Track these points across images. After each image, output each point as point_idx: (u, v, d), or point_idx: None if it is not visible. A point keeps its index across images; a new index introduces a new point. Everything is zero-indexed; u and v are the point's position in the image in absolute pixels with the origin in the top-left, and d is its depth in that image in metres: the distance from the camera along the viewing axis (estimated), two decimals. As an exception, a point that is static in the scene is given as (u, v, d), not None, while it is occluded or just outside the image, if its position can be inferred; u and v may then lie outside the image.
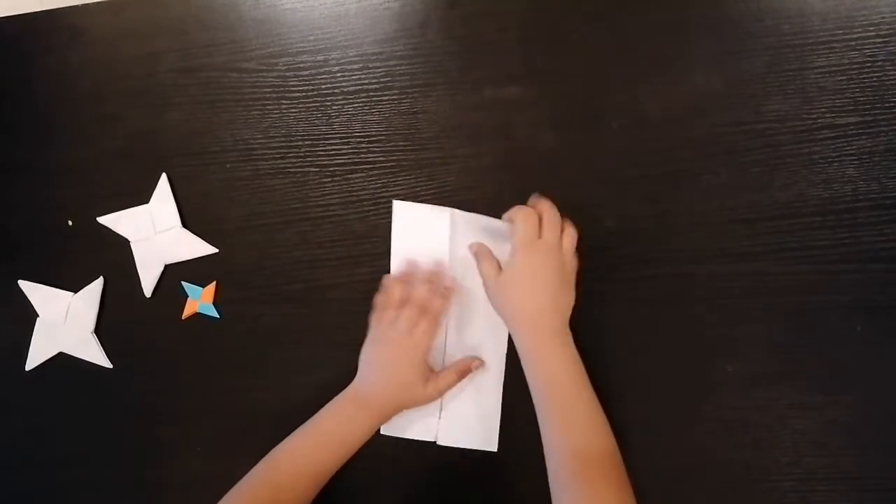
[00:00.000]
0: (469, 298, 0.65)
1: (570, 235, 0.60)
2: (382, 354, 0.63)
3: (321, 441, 0.61)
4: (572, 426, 0.56)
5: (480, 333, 0.65)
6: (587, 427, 0.56)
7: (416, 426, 0.66)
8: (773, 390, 0.62)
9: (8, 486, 0.73)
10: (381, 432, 0.65)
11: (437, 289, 0.63)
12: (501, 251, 0.63)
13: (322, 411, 0.62)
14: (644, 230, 0.64)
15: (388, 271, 0.67)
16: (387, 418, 0.63)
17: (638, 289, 0.64)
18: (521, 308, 0.60)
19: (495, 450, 0.64)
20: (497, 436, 0.64)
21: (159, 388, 0.70)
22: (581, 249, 0.64)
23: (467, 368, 0.64)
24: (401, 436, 0.66)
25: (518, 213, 0.60)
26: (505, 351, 0.65)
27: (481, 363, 0.64)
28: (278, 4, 0.71)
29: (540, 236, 0.60)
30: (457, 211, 0.66)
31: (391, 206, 0.67)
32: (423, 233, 0.66)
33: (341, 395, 0.63)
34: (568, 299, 0.60)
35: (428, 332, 0.62)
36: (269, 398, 0.69)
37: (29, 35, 0.76)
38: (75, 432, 0.72)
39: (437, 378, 0.63)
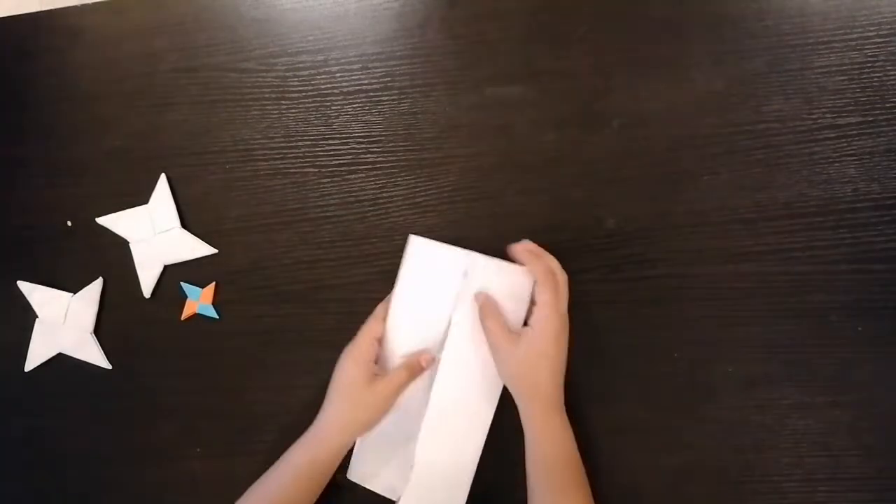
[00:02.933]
0: (466, 346, 0.61)
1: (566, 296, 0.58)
2: (332, 375, 0.61)
3: (291, 485, 0.59)
4: None
5: (471, 388, 0.62)
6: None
7: (382, 479, 0.63)
8: (774, 391, 0.62)
9: (7, 486, 0.73)
10: (347, 476, 0.63)
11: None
12: (513, 300, 0.60)
13: (287, 453, 0.60)
14: (644, 230, 0.64)
15: (386, 270, 0.66)
16: (348, 440, 0.60)
17: (638, 289, 0.64)
18: (538, 383, 0.57)
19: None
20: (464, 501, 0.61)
21: (159, 388, 0.70)
22: (581, 250, 0.64)
23: (418, 365, 0.61)
24: (364, 485, 0.63)
25: (544, 278, 0.57)
26: (492, 413, 0.61)
27: (432, 359, 0.61)
28: (278, 4, 0.71)
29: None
30: (476, 255, 0.61)
31: (390, 206, 0.67)
32: (435, 272, 0.61)
33: (305, 433, 0.60)
34: (563, 367, 0.59)
35: (367, 328, 0.61)
36: (268, 398, 0.68)
37: (29, 35, 0.75)
38: (75, 433, 0.71)
39: (385, 377, 0.59)
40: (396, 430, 0.62)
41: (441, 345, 0.62)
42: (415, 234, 0.62)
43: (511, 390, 0.59)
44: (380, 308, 0.63)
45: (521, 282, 0.60)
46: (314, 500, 0.60)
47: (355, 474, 0.64)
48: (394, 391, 0.60)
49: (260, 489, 0.59)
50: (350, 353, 0.61)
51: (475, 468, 0.61)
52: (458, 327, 0.61)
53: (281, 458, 0.60)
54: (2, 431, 0.73)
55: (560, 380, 0.58)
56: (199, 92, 0.71)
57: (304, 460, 0.59)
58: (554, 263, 0.58)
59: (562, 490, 0.57)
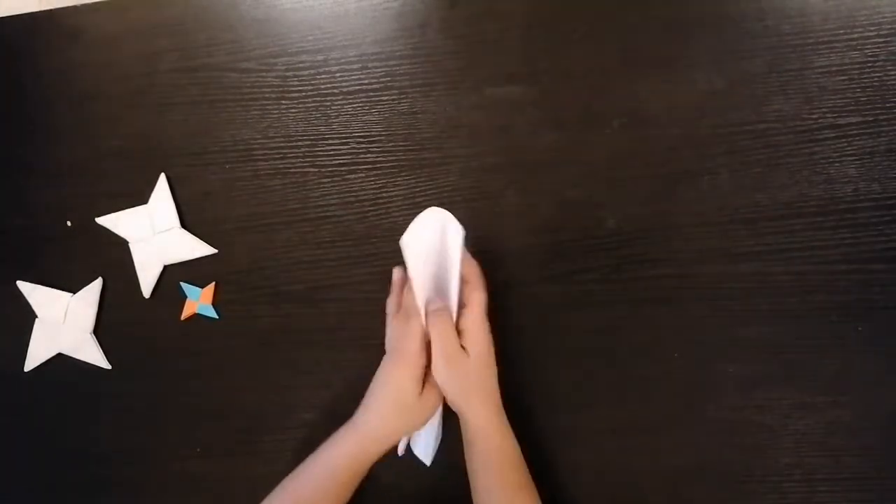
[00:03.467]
0: None
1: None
2: (378, 375, 0.57)
3: (327, 484, 0.57)
4: None
5: None
6: None
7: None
8: (775, 391, 0.62)
9: (7, 486, 0.72)
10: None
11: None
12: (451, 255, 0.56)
13: (322, 450, 0.57)
14: (645, 230, 0.64)
15: (386, 270, 0.66)
16: (392, 444, 0.58)
17: (639, 289, 0.64)
18: (490, 390, 0.57)
19: (428, 464, 0.62)
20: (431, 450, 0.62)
21: (158, 388, 0.70)
22: (581, 250, 0.64)
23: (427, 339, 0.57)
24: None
25: (479, 279, 0.57)
26: None
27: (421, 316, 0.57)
28: (278, 4, 0.71)
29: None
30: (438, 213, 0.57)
31: (390, 206, 0.67)
32: (430, 242, 0.57)
33: (342, 430, 0.58)
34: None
35: (413, 332, 0.56)
36: (268, 398, 0.68)
37: (29, 35, 0.76)
38: (74, 433, 0.71)
39: (432, 386, 0.56)
40: None
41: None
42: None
43: (460, 402, 0.56)
44: (411, 302, 0.57)
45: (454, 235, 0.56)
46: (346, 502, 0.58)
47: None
48: (438, 401, 0.58)
49: (292, 486, 0.57)
50: (404, 363, 0.56)
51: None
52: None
53: (316, 456, 0.57)
54: (2, 431, 0.73)
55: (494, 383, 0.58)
56: (198, 92, 0.71)
57: (342, 463, 0.57)
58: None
59: (520, 487, 0.56)
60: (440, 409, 0.60)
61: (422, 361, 0.56)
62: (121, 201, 0.71)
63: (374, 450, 0.57)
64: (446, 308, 0.57)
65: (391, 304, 0.60)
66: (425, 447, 0.63)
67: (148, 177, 0.71)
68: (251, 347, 0.69)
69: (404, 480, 0.65)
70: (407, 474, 0.65)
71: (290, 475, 0.57)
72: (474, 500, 0.57)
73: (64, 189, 0.73)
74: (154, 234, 0.70)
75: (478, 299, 0.56)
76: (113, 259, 0.71)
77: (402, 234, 0.65)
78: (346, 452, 0.57)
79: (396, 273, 0.61)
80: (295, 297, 0.69)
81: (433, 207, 0.56)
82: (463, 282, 0.57)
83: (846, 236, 0.62)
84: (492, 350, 0.57)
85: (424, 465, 0.62)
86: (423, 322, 0.56)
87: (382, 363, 0.57)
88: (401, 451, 0.62)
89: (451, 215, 0.56)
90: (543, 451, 0.62)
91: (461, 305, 0.58)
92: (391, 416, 0.56)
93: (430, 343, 0.56)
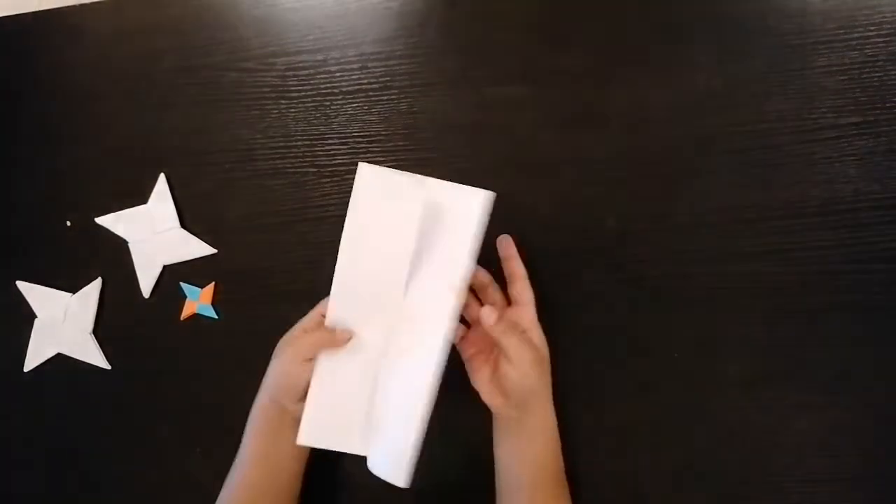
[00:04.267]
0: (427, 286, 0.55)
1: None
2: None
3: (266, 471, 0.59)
4: None
5: (426, 326, 0.54)
6: None
7: (337, 436, 0.57)
8: (775, 391, 0.62)
9: (7, 486, 0.72)
10: (298, 443, 0.57)
11: None
12: (463, 224, 0.53)
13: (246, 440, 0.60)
14: (644, 230, 0.64)
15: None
16: (283, 409, 0.58)
17: (639, 289, 0.64)
18: (534, 386, 0.56)
19: (404, 486, 0.53)
20: (409, 471, 0.53)
21: (158, 388, 0.70)
22: (581, 250, 0.64)
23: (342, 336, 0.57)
24: (321, 447, 0.58)
25: (526, 282, 0.58)
26: (440, 364, 0.53)
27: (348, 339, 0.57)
28: (278, 4, 0.71)
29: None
30: (429, 180, 0.53)
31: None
32: (389, 206, 0.54)
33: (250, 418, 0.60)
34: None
35: (311, 328, 0.59)
36: (268, 399, 0.68)
37: (29, 35, 0.76)
38: (74, 433, 0.71)
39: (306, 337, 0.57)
40: (352, 384, 0.57)
41: (401, 288, 0.55)
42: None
43: (531, 401, 0.56)
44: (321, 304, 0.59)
45: (473, 206, 0.52)
46: (283, 466, 0.60)
47: (308, 439, 0.57)
48: (313, 344, 0.57)
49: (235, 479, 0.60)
50: (282, 350, 0.59)
51: (422, 430, 0.53)
52: (420, 263, 0.55)
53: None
54: (2, 431, 0.73)
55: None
56: (198, 92, 0.71)
57: (251, 435, 0.60)
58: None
59: (565, 485, 0.58)
60: (419, 428, 0.53)
61: (310, 351, 0.57)
62: (120, 201, 0.71)
63: (264, 413, 0.60)
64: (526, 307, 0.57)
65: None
66: (392, 467, 0.54)
67: (148, 177, 0.71)
68: (251, 347, 0.69)
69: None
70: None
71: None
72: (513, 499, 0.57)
73: (64, 189, 0.73)
74: (154, 234, 0.70)
75: (530, 297, 0.57)
76: (112, 259, 0.71)
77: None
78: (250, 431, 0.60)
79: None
80: (295, 297, 0.68)
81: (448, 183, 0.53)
82: (513, 279, 0.58)
83: (846, 236, 0.62)
84: (546, 352, 0.58)
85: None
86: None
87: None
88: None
89: (467, 188, 0.53)
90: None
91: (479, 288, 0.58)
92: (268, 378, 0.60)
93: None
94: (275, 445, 0.59)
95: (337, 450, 0.57)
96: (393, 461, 0.53)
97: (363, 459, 0.57)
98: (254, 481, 0.59)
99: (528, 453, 0.57)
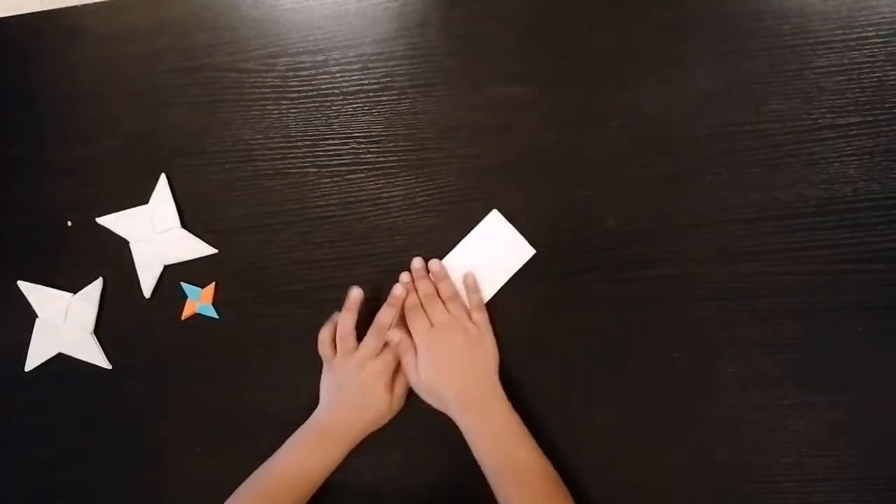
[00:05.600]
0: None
1: (460, 307, 0.63)
2: (352, 382, 0.62)
3: (293, 482, 0.60)
4: (535, 499, 0.57)
5: None
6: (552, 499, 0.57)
7: None
8: (774, 391, 0.62)
9: (8, 486, 0.72)
10: None
11: (399, 310, 0.64)
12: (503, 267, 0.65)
13: (287, 449, 0.62)
14: (644, 230, 0.64)
15: (386, 270, 0.67)
16: (355, 444, 0.63)
17: (638, 289, 0.64)
18: (447, 387, 0.61)
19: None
20: None
21: (159, 388, 0.70)
22: (581, 250, 0.64)
23: (396, 353, 0.63)
24: None
25: (411, 317, 0.63)
26: None
27: (401, 335, 0.63)
28: (278, 4, 0.71)
29: (432, 322, 0.62)
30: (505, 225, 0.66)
31: (390, 206, 0.67)
32: (498, 252, 0.65)
33: (303, 429, 0.63)
34: (481, 363, 0.61)
35: (395, 349, 0.63)
36: (268, 398, 0.68)
37: (29, 35, 0.76)
38: (75, 432, 0.71)
39: (395, 390, 0.63)
40: None
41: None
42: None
43: (457, 397, 0.61)
44: (385, 320, 0.63)
45: (520, 254, 0.65)
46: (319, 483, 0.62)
47: None
48: (403, 401, 0.64)
49: (263, 481, 0.61)
50: (386, 379, 0.62)
51: None
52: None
53: (277, 459, 0.61)
54: (2, 431, 0.73)
55: (459, 382, 0.60)
56: (199, 92, 0.71)
57: (308, 466, 0.61)
58: (419, 283, 0.65)
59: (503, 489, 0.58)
60: None
61: (391, 370, 0.63)
62: (121, 201, 0.71)
63: (346, 440, 0.62)
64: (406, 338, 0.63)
65: (347, 320, 0.64)
66: None
67: (148, 177, 0.71)
68: (251, 347, 0.69)
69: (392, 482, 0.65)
70: (398, 476, 0.65)
71: (249, 479, 0.60)
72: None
73: (64, 189, 0.73)
74: (154, 234, 0.70)
75: (479, 300, 0.64)
76: (113, 259, 0.71)
77: (401, 234, 0.67)
78: (312, 452, 0.62)
79: (356, 292, 0.64)
80: (295, 297, 0.69)
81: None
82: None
83: (846, 236, 0.62)
84: (464, 348, 0.62)
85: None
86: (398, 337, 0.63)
87: (355, 369, 0.62)
88: None
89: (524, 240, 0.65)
90: (543, 451, 0.62)
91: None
92: (360, 418, 0.62)
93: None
94: (317, 464, 0.61)
95: None
96: None
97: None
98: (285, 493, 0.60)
99: (477, 451, 0.59)
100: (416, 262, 0.65)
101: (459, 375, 0.61)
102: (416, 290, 0.64)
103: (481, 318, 0.63)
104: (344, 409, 0.63)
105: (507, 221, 0.66)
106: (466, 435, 0.60)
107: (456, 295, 0.64)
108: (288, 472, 0.61)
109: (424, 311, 0.63)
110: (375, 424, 0.63)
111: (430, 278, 0.65)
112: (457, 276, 0.65)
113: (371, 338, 0.63)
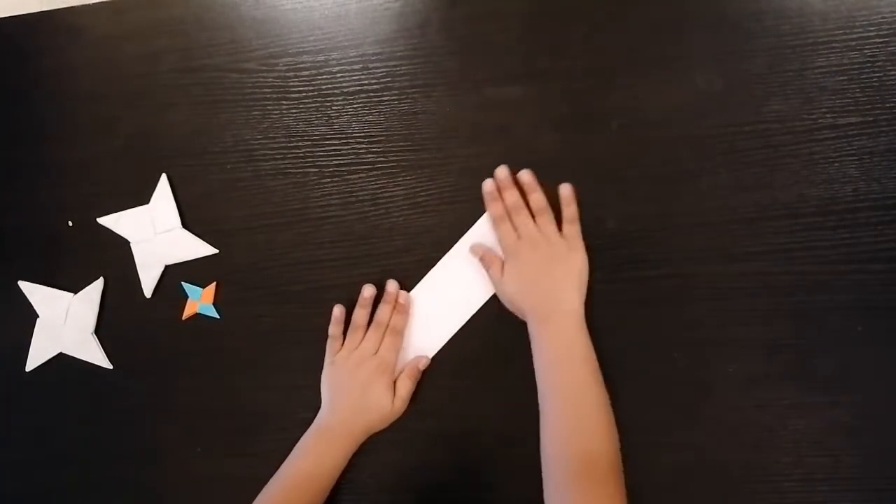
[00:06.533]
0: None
1: (549, 221, 0.63)
2: (351, 380, 0.63)
3: (300, 485, 0.60)
4: (580, 423, 0.56)
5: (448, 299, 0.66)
6: (596, 428, 0.56)
7: None
8: (774, 390, 0.62)
9: (8, 486, 0.73)
10: None
11: (394, 306, 0.65)
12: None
13: (294, 453, 0.62)
14: (644, 230, 0.64)
15: (386, 270, 0.67)
16: (358, 444, 0.63)
17: (639, 289, 0.64)
18: (524, 300, 0.62)
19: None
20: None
21: (159, 388, 0.70)
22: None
23: (416, 370, 0.64)
24: None
25: (496, 226, 0.64)
26: (467, 317, 0.65)
27: (427, 361, 0.65)
28: (279, 4, 0.71)
29: (518, 234, 0.63)
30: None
31: (390, 206, 0.68)
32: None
33: (308, 432, 0.63)
34: (562, 278, 0.61)
35: (393, 347, 0.64)
36: (269, 398, 0.68)
37: (29, 35, 0.76)
38: (75, 432, 0.72)
39: (398, 391, 0.63)
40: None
41: (471, 301, 0.66)
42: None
43: (553, 299, 0.61)
44: (383, 316, 0.65)
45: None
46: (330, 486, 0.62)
47: None
48: (406, 403, 0.64)
49: (275, 487, 0.60)
50: (387, 379, 0.63)
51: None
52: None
53: (288, 465, 0.62)
54: (2, 431, 0.73)
55: (546, 293, 0.61)
56: (199, 92, 0.71)
57: (315, 468, 0.61)
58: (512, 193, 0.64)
59: (552, 398, 0.58)
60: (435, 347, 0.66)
61: (392, 369, 0.64)
62: (122, 201, 0.71)
63: (349, 442, 0.62)
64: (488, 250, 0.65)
65: (358, 316, 0.66)
66: None
67: (149, 177, 0.71)
68: (252, 347, 0.69)
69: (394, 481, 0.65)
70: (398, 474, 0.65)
71: (264, 489, 0.60)
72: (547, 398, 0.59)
73: (65, 189, 0.73)
74: (155, 234, 0.70)
75: (573, 213, 0.63)
76: (114, 259, 0.71)
77: (402, 234, 0.67)
78: (318, 454, 0.62)
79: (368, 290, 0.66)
80: (295, 297, 0.69)
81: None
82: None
83: (846, 236, 0.62)
84: (553, 265, 0.62)
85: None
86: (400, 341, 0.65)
87: (352, 367, 0.63)
88: None
89: None
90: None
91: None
92: (361, 418, 0.63)
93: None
94: (322, 467, 0.61)
95: None
96: None
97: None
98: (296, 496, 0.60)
99: (537, 364, 0.60)
100: (501, 172, 0.64)
101: (538, 289, 0.61)
102: (503, 200, 0.64)
103: (572, 231, 0.62)
104: (345, 410, 0.63)
105: None
106: (534, 344, 0.60)
107: (547, 208, 0.63)
108: (296, 478, 0.61)
109: (511, 223, 0.63)
110: (378, 425, 0.63)
111: (515, 188, 0.64)
112: (456, 274, 0.66)
113: (371, 333, 0.64)
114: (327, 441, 0.62)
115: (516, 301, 0.62)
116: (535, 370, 0.60)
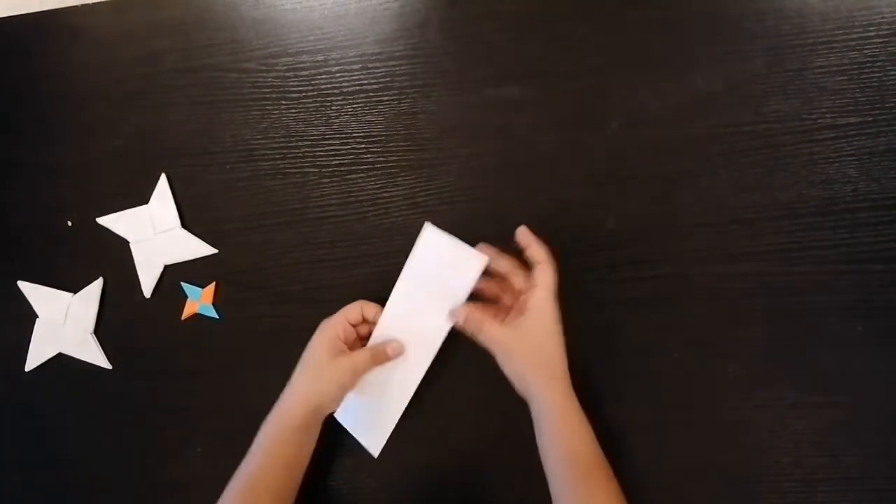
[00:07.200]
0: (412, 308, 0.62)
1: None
2: (309, 348, 0.61)
3: (258, 481, 0.58)
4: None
5: (419, 324, 0.62)
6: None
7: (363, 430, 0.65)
8: (774, 391, 0.62)
9: (8, 486, 0.73)
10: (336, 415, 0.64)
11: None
12: (457, 280, 0.59)
13: (252, 445, 0.60)
14: (644, 230, 0.64)
15: (386, 270, 0.66)
16: (317, 421, 0.60)
17: (638, 289, 0.64)
18: (553, 359, 0.58)
19: (375, 455, 0.64)
20: (383, 442, 0.64)
21: (159, 388, 0.70)
22: (581, 250, 0.64)
23: (383, 353, 0.61)
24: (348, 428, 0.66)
25: (549, 262, 0.58)
26: (431, 359, 0.62)
27: (400, 347, 0.61)
28: (278, 4, 0.71)
29: None
30: (443, 237, 0.60)
31: (390, 206, 0.67)
32: (442, 266, 0.60)
33: (263, 424, 0.60)
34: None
35: (344, 309, 0.62)
36: (269, 399, 0.68)
37: (29, 35, 0.76)
38: (75, 432, 0.72)
39: (347, 355, 0.59)
40: (381, 396, 0.64)
41: (432, 339, 0.61)
42: (417, 233, 0.62)
43: (523, 380, 0.58)
44: (366, 303, 0.63)
45: (472, 266, 0.59)
46: (297, 473, 0.60)
47: (342, 417, 0.65)
48: (352, 369, 0.59)
49: (241, 473, 0.59)
50: (320, 328, 0.62)
51: (401, 411, 0.63)
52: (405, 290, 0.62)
53: (255, 439, 0.60)
54: (2, 431, 0.73)
55: (562, 353, 0.58)
56: (199, 92, 0.71)
57: (273, 433, 0.59)
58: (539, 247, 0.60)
59: (595, 466, 0.56)
60: (403, 404, 0.63)
61: (337, 329, 0.61)
62: (121, 201, 0.71)
63: (297, 415, 0.59)
64: (474, 310, 0.59)
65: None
66: (370, 436, 0.64)
67: (148, 177, 0.71)
68: (251, 347, 0.69)
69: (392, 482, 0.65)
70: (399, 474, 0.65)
71: (240, 466, 0.59)
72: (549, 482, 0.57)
73: (64, 189, 0.73)
74: (155, 234, 0.70)
75: (547, 282, 0.58)
76: (114, 259, 0.71)
77: (401, 234, 0.67)
78: (274, 426, 0.60)
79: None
80: (295, 297, 0.69)
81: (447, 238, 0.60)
82: (531, 263, 0.59)
83: (845, 236, 0.62)
84: (559, 329, 0.58)
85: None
86: (357, 308, 0.62)
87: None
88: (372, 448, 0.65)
89: (470, 249, 0.59)
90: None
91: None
92: (305, 380, 0.60)
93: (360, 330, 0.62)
94: (289, 445, 0.60)
95: (358, 438, 0.65)
96: (372, 434, 0.64)
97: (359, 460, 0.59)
98: (265, 482, 0.59)
99: (542, 440, 0.58)
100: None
101: (560, 344, 0.59)
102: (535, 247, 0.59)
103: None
104: (302, 383, 0.60)
105: (444, 233, 0.60)
106: (558, 415, 0.58)
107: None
108: (257, 470, 0.59)
109: None
110: (324, 391, 0.59)
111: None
112: (407, 310, 0.62)
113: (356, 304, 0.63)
114: (287, 427, 0.59)
115: (543, 351, 0.59)
116: (551, 437, 0.57)
